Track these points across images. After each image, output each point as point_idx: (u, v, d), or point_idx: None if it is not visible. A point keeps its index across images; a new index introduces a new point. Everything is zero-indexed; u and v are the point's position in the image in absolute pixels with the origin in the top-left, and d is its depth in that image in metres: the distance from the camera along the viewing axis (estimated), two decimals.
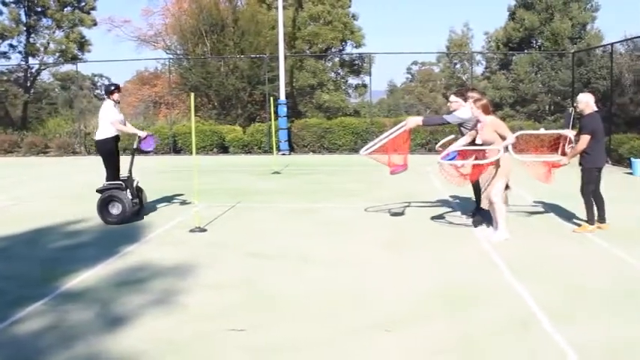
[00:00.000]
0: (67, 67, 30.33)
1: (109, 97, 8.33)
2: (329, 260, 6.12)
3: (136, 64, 48.84)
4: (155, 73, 32.56)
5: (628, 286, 5.10)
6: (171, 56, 26.56)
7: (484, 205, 7.11)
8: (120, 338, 4.11)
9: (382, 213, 8.71)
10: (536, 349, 3.82)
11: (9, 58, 29.26)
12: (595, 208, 7.28)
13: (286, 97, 20.64)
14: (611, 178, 11.10)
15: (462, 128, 7.76)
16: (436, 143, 10.53)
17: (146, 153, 10.68)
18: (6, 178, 14.04)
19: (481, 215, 7.62)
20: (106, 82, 34.35)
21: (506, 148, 6.74)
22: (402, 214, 8.63)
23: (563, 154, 7.61)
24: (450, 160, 7.24)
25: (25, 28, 28.95)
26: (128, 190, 8.22)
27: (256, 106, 23.86)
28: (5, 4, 28.29)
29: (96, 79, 36.10)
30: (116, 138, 8.33)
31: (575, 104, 8.06)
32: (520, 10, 26.47)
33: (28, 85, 29.13)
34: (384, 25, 78.37)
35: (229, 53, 23.25)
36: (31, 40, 29.44)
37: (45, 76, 31.67)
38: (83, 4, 30.15)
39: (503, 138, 6.79)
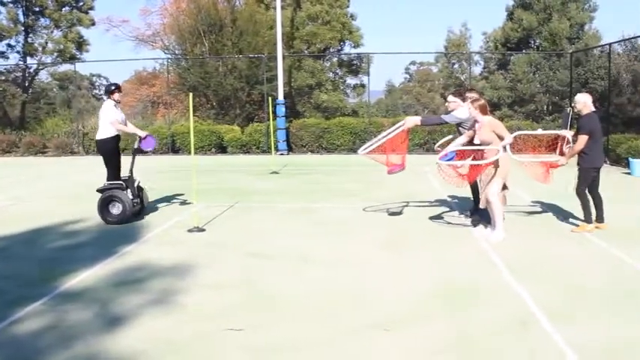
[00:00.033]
0: (65, 67, 30.34)
1: (109, 97, 8.32)
2: (328, 260, 6.12)
3: (134, 64, 48.77)
4: (153, 73, 32.55)
5: (627, 286, 5.11)
6: (169, 56, 26.52)
7: (483, 204, 7.12)
8: (119, 338, 4.10)
9: (381, 213, 8.71)
10: (535, 349, 3.83)
11: (7, 58, 29.29)
12: (593, 208, 7.30)
13: (284, 97, 20.64)
14: (609, 178, 11.11)
15: (460, 128, 7.78)
16: (434, 143, 10.56)
17: (145, 153, 10.67)
18: (4, 178, 14.02)
19: (479, 215, 7.64)
20: (105, 82, 34.45)
21: (504, 148, 6.76)
22: (400, 214, 8.64)
23: (562, 154, 7.62)
24: (449, 160, 7.25)
25: (23, 28, 28.91)
26: (129, 190, 8.22)
27: (254, 106, 23.85)
28: (3, 4, 28.26)
29: (94, 79, 36.12)
30: (117, 138, 8.33)
31: (573, 104, 8.08)
32: (518, 10, 26.47)
33: (26, 85, 29.08)
34: (382, 25, 78.52)
35: (227, 53, 23.24)
36: (29, 39, 29.41)
37: (43, 75, 31.71)
38: (81, 3, 30.11)
39: (501, 138, 6.81)
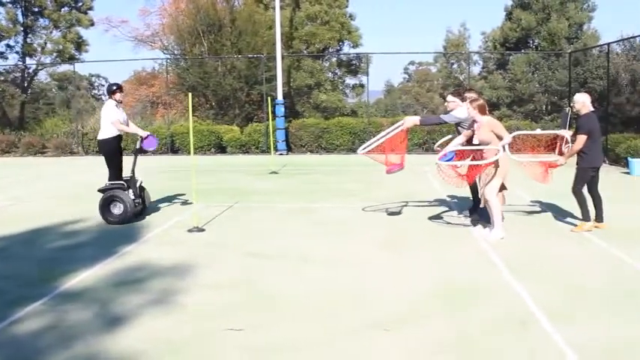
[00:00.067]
0: (64, 67, 30.27)
1: (110, 97, 8.33)
2: (328, 260, 6.12)
3: (134, 64, 48.82)
4: (152, 73, 32.55)
5: (627, 286, 5.11)
6: (168, 56, 26.50)
7: (483, 204, 7.13)
8: (118, 338, 4.10)
9: (380, 213, 8.71)
10: (535, 349, 3.83)
11: (6, 58, 29.28)
12: (592, 207, 7.31)
13: (284, 97, 20.65)
14: (609, 177, 11.13)
15: (459, 128, 7.78)
16: (434, 143, 10.56)
17: (145, 153, 10.67)
18: (3, 179, 14.02)
19: (478, 214, 7.64)
20: (104, 83, 34.46)
21: (503, 148, 6.76)
22: (400, 213, 8.64)
23: (561, 154, 7.63)
24: (448, 161, 7.25)
25: (22, 28, 28.90)
26: (130, 190, 8.22)
27: (254, 106, 23.86)
28: (2, 4, 28.23)
29: (93, 79, 36.03)
30: (118, 138, 8.33)
31: (571, 104, 8.08)
32: (517, 10, 26.49)
33: (26, 85, 29.07)
34: (381, 25, 78.57)
35: (227, 53, 23.24)
36: (29, 40, 29.39)
37: (42, 76, 31.68)
38: (80, 4, 30.10)
39: (500, 138, 6.81)
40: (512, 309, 4.57)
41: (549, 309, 4.51)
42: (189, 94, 8.42)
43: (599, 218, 7.33)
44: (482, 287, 5.12)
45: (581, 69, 21.34)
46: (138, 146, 8.46)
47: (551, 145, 8.31)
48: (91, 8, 30.59)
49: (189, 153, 11.17)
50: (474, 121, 7.07)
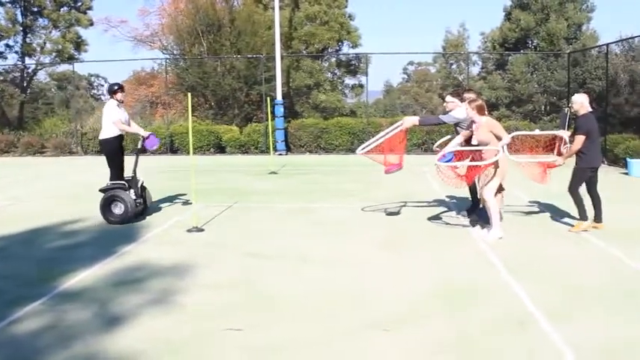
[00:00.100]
0: (63, 67, 30.25)
1: (112, 97, 8.34)
2: (327, 260, 6.13)
3: (133, 64, 48.78)
4: (152, 73, 32.51)
5: (625, 286, 5.12)
6: (167, 56, 26.48)
7: (483, 204, 7.14)
8: (118, 338, 4.11)
9: (379, 213, 8.72)
10: (534, 349, 3.84)
11: (5, 58, 29.26)
12: (591, 207, 7.32)
13: (283, 98, 20.65)
14: (607, 178, 11.14)
15: (458, 128, 7.79)
16: (432, 143, 10.57)
17: (145, 152, 10.68)
18: (2, 178, 14.01)
19: (477, 215, 7.65)
20: (103, 82, 34.49)
21: (502, 149, 6.77)
22: (398, 214, 8.65)
23: (559, 154, 7.64)
24: (447, 161, 7.26)
25: (21, 28, 28.88)
26: (132, 190, 8.22)
27: (253, 106, 23.85)
28: (1, 4, 28.21)
29: (92, 79, 36.02)
30: (120, 137, 8.34)
31: (570, 104, 8.09)
32: (516, 10, 26.50)
33: (25, 85, 29.05)
34: (380, 26, 78.51)
35: (226, 53, 23.23)
36: (28, 40, 29.37)
37: (41, 76, 31.68)
38: (79, 4, 30.09)
39: (498, 138, 6.82)
40: (510, 309, 4.58)
41: (548, 309, 4.52)
42: (189, 94, 8.42)
43: (597, 218, 7.34)
44: (480, 287, 5.13)
45: (580, 69, 21.36)
46: (139, 146, 8.47)
47: (550, 145, 8.32)
48: (90, 8, 30.60)
49: (188, 153, 11.17)
50: (473, 122, 7.08)
